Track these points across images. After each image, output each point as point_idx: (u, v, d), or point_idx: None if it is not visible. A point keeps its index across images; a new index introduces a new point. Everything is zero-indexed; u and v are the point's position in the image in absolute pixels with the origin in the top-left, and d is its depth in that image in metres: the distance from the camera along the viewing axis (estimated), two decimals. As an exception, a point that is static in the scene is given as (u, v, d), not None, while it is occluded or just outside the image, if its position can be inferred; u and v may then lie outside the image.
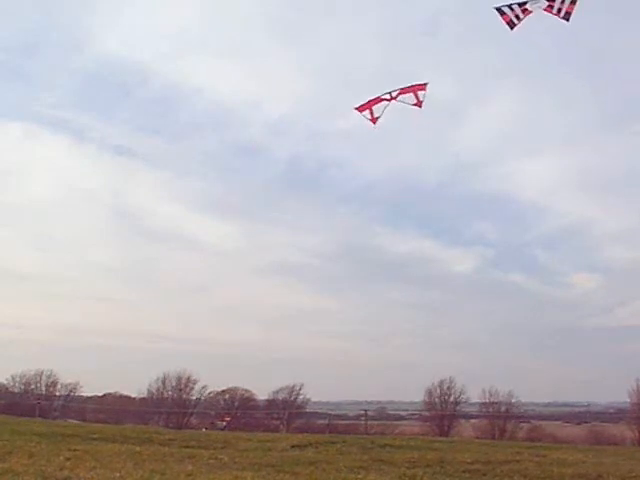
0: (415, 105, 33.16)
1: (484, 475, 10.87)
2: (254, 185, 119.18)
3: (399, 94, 32.78)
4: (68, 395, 53.67)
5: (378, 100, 33.36)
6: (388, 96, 32.84)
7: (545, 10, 14.95)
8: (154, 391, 54.16)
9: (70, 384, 53.68)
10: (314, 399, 59.36)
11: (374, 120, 32.09)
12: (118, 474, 8.92)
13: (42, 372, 52.95)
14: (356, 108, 30.84)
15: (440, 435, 41.37)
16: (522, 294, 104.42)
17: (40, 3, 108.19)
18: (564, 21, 14.47)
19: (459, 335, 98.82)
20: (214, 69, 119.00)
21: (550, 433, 47.39)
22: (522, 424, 49.53)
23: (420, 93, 32.39)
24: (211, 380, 62.77)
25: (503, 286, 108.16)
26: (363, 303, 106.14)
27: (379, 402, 69.03)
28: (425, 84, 32.92)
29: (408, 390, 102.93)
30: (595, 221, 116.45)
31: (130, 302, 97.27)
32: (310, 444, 15.89)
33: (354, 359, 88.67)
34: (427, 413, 52.48)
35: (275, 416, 51.24)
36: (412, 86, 32.66)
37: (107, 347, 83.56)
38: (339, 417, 57.12)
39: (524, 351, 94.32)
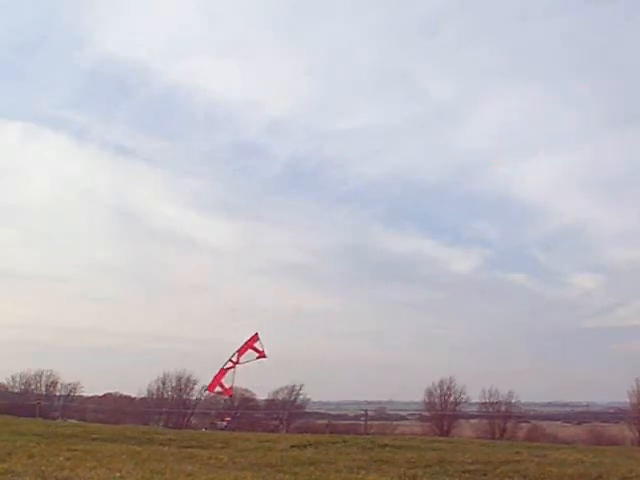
0: (260, 357, 34.63)
1: (484, 475, 10.87)
2: (254, 185, 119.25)
3: (239, 356, 34.29)
4: (68, 395, 53.69)
5: (223, 373, 34.71)
6: (230, 363, 34.30)
7: None
8: (154, 391, 54.26)
9: (70, 384, 53.80)
10: (314, 399, 59.46)
11: (228, 391, 33.18)
12: (118, 474, 8.92)
13: (42, 372, 53.05)
14: (207, 389, 31.94)
15: (440, 435, 41.36)
16: (522, 294, 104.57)
17: (40, 2, 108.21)
18: None
19: (459, 335, 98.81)
20: (214, 69, 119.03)
21: (550, 433, 47.43)
22: (522, 424, 49.58)
23: (257, 344, 33.94)
24: (211, 380, 62.71)
25: (503, 286, 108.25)
26: (363, 303, 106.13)
27: (379, 402, 69.04)
28: (256, 334, 34.49)
29: (408, 390, 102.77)
30: (595, 221, 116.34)
31: (130, 302, 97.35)
32: (310, 444, 15.87)
33: (354, 359, 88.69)
34: (427, 413, 52.52)
35: (275, 416, 51.24)
36: (246, 343, 34.17)
37: (107, 347, 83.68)
38: (339, 417, 57.21)
39: (524, 351, 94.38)
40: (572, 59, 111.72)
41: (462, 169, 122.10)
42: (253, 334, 32.61)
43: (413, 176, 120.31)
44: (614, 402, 57.33)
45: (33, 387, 53.25)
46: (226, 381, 32.68)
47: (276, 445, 15.75)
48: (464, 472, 11.04)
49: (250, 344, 32.28)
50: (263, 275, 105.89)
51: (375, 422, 46.70)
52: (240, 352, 32.19)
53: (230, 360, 32.25)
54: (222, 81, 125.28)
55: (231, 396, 35.92)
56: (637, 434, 42.42)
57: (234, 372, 32.40)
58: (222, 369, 32.66)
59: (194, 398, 53.53)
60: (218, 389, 31.82)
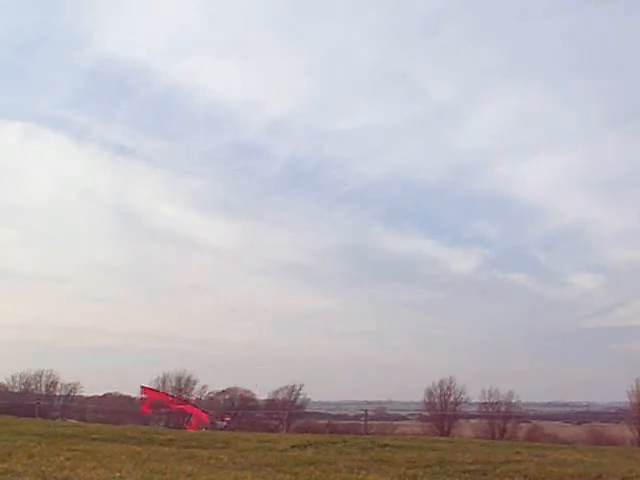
0: (192, 424, 34.82)
1: (484, 475, 10.85)
2: (254, 185, 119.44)
3: (182, 405, 34.43)
4: (68, 395, 53.71)
5: (163, 397, 34.96)
6: (177, 401, 34.39)
7: None
8: (154, 391, 54.19)
9: (70, 384, 53.86)
10: (314, 399, 59.56)
11: (146, 408, 33.71)
12: (118, 474, 8.91)
13: (42, 372, 53.12)
14: (143, 386, 32.51)
15: (440, 435, 41.37)
16: (522, 294, 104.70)
17: (40, 2, 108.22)
18: None
19: (459, 335, 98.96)
20: (214, 69, 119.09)
21: (550, 433, 47.43)
22: (522, 424, 49.58)
23: (199, 420, 34.28)
24: (211, 380, 63.04)
25: (503, 286, 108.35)
26: (363, 303, 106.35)
27: (379, 402, 69.10)
28: (209, 416, 34.61)
29: (408, 390, 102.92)
30: (595, 221, 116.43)
31: (130, 302, 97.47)
32: (310, 444, 15.85)
33: (354, 359, 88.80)
34: (427, 413, 52.54)
35: (275, 416, 51.23)
36: (198, 409, 34.36)
37: (107, 347, 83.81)
38: (339, 417, 57.25)
39: (524, 351, 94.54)
40: (572, 59, 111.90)
41: (462, 169, 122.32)
42: (207, 413, 33.17)
43: (413, 176, 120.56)
44: (614, 402, 57.37)
45: (33, 387, 53.32)
46: (154, 406, 33.00)
47: (276, 445, 15.73)
48: (464, 472, 11.03)
49: (198, 413, 32.59)
50: (263, 275, 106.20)
51: (375, 422, 46.72)
52: (186, 406, 32.51)
53: (179, 398, 32.70)
54: (222, 81, 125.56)
55: (145, 414, 36.19)
56: (637, 434, 42.43)
57: (165, 405, 32.86)
58: (168, 395, 33.07)
59: (194, 398, 53.58)
60: (145, 396, 32.06)
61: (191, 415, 32.68)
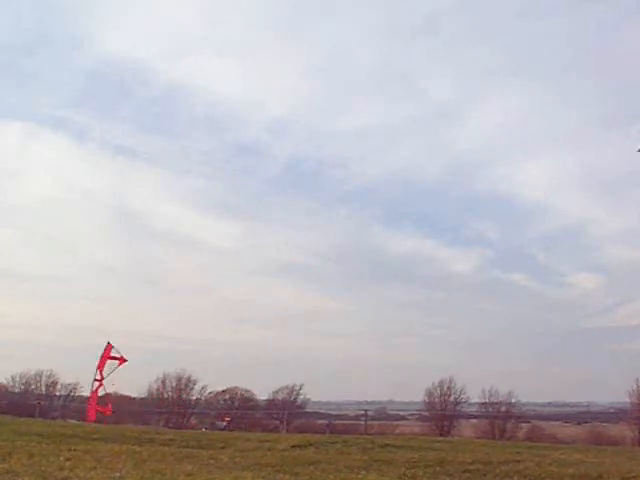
0: (121, 363, 35.39)
1: (484, 475, 10.85)
2: (254, 185, 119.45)
3: (101, 371, 35.07)
4: (68, 395, 53.69)
5: (94, 397, 35.29)
6: (97, 383, 35.01)
7: None
8: (154, 391, 54.28)
9: (70, 384, 53.80)
10: (314, 399, 59.54)
11: (108, 410, 34.23)
12: (118, 474, 8.91)
13: (42, 372, 53.11)
14: (87, 420, 33.02)
15: (440, 435, 41.37)
16: (522, 294, 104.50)
17: (40, 2, 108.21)
18: None
19: (459, 335, 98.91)
20: (214, 69, 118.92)
21: (550, 433, 47.43)
22: (522, 424, 49.58)
23: (113, 352, 34.65)
24: (211, 380, 63.01)
25: (503, 286, 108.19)
26: (363, 303, 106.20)
27: (379, 402, 69.12)
28: (109, 344, 35.36)
29: (408, 390, 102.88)
30: (595, 221, 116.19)
31: (130, 302, 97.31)
32: (310, 444, 15.86)
33: (354, 359, 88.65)
34: (427, 413, 52.54)
35: (275, 416, 51.26)
36: (102, 357, 34.96)
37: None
38: (339, 417, 57.20)
39: (524, 351, 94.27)
40: (572, 59, 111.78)
41: (462, 169, 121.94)
42: (106, 344, 33.42)
43: (413, 176, 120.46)
44: (614, 402, 57.33)
45: (33, 387, 53.31)
46: (100, 402, 33.32)
47: (276, 445, 15.73)
48: (464, 472, 11.03)
49: (106, 355, 32.93)
50: (263, 275, 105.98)
51: (375, 422, 46.74)
52: (100, 367, 32.91)
53: (95, 380, 33.07)
54: (222, 81, 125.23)
55: (113, 412, 36.21)
56: (637, 434, 42.43)
57: (104, 388, 33.25)
58: (92, 394, 33.38)
59: (194, 398, 53.62)
60: (98, 414, 32.28)
61: (110, 358, 33.22)
